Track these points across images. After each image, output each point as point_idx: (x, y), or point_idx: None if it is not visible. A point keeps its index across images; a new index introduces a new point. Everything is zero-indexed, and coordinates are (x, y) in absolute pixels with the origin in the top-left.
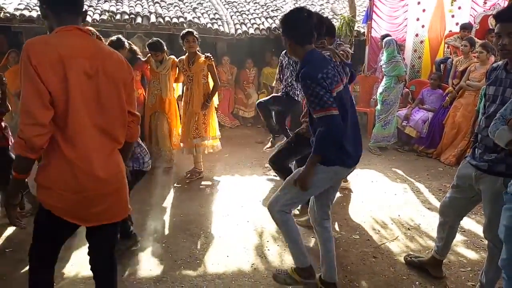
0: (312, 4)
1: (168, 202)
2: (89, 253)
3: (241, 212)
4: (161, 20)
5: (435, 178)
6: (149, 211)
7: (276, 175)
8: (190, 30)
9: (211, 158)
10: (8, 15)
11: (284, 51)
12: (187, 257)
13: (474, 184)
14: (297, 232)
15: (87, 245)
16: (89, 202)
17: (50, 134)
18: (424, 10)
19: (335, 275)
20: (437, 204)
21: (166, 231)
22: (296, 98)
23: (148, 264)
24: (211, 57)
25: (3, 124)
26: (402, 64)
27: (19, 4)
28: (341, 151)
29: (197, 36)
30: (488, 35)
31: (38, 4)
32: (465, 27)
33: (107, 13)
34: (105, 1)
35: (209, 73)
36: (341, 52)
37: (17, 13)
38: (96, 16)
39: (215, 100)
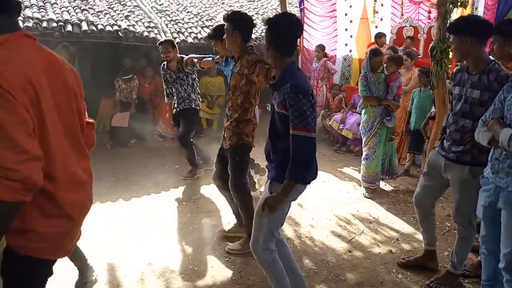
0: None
1: None
2: None
3: (214, 223)
4: (94, 28)
5: None
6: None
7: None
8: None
9: (163, 169)
10: None
11: (164, 63)
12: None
13: (443, 173)
14: (284, 275)
15: None
16: (74, 233)
17: None
18: (351, 21)
19: None
20: (387, 198)
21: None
22: (198, 108)
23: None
24: None
25: None
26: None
27: None
28: (311, 172)
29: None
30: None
31: None
32: (380, 36)
33: (31, 20)
34: (26, 8)
35: None
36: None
37: None
38: (19, 23)
39: None
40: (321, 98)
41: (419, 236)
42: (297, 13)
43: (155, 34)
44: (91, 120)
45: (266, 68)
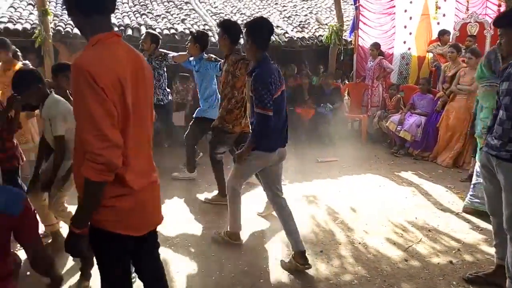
0: (296, 15)
1: None
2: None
3: (260, 222)
4: (152, 31)
5: (438, 180)
6: None
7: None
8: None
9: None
10: None
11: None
12: (218, 263)
13: (496, 173)
14: (239, 210)
15: None
16: (141, 208)
17: None
18: (411, 18)
19: (302, 244)
20: (448, 205)
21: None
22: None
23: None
24: None
25: (14, 141)
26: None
27: (2, 17)
28: (268, 140)
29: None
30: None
31: (70, 10)
32: (443, 33)
33: None
34: None
35: None
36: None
37: (1, 26)
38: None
39: None
40: (377, 98)
41: (484, 247)
42: (352, 11)
43: (209, 36)
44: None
45: (246, 64)
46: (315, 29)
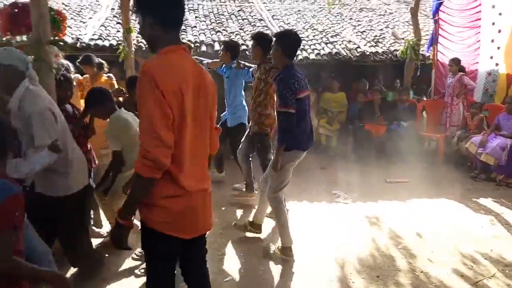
0: (371, 29)
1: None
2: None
3: (317, 240)
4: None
5: None
6: (222, 234)
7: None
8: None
9: None
10: (84, 44)
11: None
12: (267, 280)
13: None
14: (285, 215)
15: None
16: (192, 213)
17: None
18: (499, 31)
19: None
20: None
21: (244, 257)
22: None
23: None
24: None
25: (88, 145)
26: None
27: (93, 34)
28: (297, 139)
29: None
30: None
31: (143, 23)
32: None
33: None
34: None
35: None
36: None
37: (92, 43)
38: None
39: None
40: (457, 117)
41: None
42: (431, 25)
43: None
44: (218, 127)
45: (277, 72)
46: (390, 44)
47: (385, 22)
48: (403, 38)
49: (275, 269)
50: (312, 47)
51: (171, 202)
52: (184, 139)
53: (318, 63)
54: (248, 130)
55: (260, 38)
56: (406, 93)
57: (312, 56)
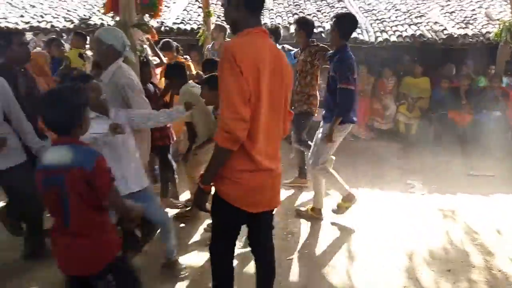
0: (461, 10)
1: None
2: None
3: (387, 229)
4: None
5: None
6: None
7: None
8: None
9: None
10: (168, 28)
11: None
12: (332, 266)
13: None
14: (335, 178)
15: None
16: (261, 189)
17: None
18: None
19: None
20: None
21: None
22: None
23: (293, 271)
24: None
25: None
26: None
27: (176, 18)
28: (351, 112)
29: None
30: None
31: (228, 6)
32: None
33: None
34: None
35: None
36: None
37: (175, 26)
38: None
39: None
40: None
41: None
42: None
43: (357, 34)
44: (291, 111)
45: (322, 54)
46: (482, 25)
47: (478, 1)
48: (498, 19)
49: (341, 254)
50: (394, 28)
51: (243, 177)
52: (259, 116)
53: (400, 45)
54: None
55: (303, 23)
56: (497, 80)
57: (393, 38)
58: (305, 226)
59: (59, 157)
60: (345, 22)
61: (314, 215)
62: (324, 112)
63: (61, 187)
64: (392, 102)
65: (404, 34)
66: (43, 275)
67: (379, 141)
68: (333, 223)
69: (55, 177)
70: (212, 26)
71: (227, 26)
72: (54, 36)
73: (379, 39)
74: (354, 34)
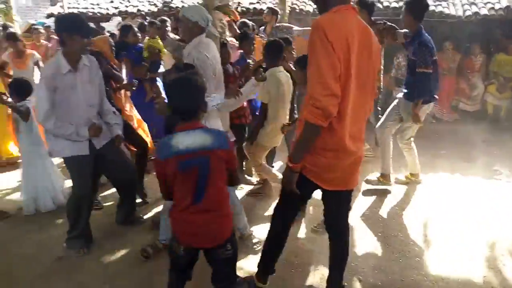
0: None
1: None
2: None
3: (467, 216)
4: (380, 5)
5: None
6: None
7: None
8: None
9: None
10: (244, 9)
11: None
12: (405, 252)
13: None
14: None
15: None
16: (339, 169)
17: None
18: None
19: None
20: None
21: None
22: None
23: (367, 253)
24: None
25: (244, 103)
26: None
27: None
28: (431, 93)
29: None
30: None
31: None
32: None
33: None
34: None
35: None
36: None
37: (251, 7)
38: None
39: None
40: None
41: None
42: None
43: (443, 7)
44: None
45: (391, 32)
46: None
47: None
48: None
49: (418, 240)
50: (485, 0)
51: (325, 154)
52: (348, 93)
53: (491, 19)
54: None
55: (364, 3)
56: None
57: (483, 11)
58: (383, 209)
59: (201, 140)
60: (417, 4)
61: (384, 181)
62: (404, 89)
63: (203, 167)
64: (480, 81)
65: (497, 6)
66: (134, 239)
67: (463, 123)
68: (411, 208)
69: (199, 159)
70: (288, 6)
71: (278, 9)
72: (152, 20)
73: (468, 12)
74: (439, 8)
